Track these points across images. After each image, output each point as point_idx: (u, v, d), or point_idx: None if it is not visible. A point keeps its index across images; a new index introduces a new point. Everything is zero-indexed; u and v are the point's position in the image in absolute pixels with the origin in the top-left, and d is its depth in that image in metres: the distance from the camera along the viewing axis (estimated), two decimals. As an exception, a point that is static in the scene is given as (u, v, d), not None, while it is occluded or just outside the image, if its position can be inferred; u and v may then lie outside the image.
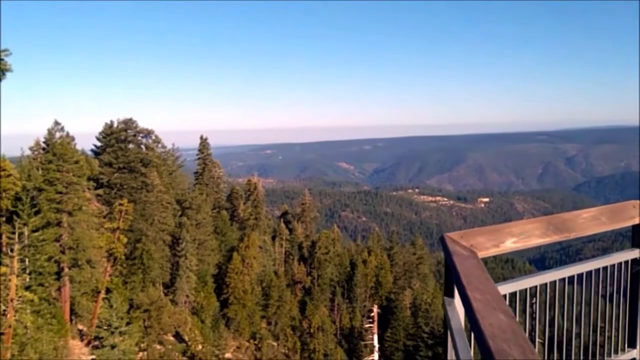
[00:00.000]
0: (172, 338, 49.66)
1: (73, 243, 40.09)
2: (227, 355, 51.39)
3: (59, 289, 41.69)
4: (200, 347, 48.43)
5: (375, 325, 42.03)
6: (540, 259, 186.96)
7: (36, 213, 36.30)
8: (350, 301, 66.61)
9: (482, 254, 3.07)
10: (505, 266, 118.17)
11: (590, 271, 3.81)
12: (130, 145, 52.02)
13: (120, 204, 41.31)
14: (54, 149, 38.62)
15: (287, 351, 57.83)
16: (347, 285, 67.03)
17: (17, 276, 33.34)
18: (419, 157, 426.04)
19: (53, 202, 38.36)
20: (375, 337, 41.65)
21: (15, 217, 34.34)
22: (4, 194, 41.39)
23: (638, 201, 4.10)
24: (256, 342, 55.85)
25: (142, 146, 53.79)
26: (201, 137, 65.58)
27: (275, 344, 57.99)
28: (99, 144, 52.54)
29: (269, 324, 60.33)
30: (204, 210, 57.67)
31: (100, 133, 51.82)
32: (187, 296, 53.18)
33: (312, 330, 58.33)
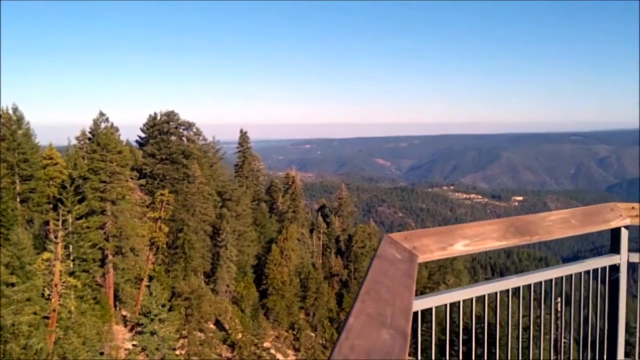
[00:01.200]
0: (212, 326, 48.84)
1: (116, 231, 39.37)
2: (266, 344, 50.26)
3: (103, 276, 41.10)
4: (240, 335, 47.61)
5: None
6: (573, 258, 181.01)
7: (80, 201, 35.57)
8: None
9: (424, 258, 2.76)
10: (539, 264, 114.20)
11: (570, 275, 3.47)
12: (172, 137, 51.28)
13: (162, 194, 40.40)
14: (98, 139, 37.86)
15: (324, 342, 56.50)
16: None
17: (61, 262, 32.70)
18: (454, 155, 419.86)
19: (97, 190, 37.64)
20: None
21: (60, 204, 33.65)
22: (51, 182, 40.97)
23: (617, 203, 3.71)
24: (294, 332, 54.66)
25: (184, 138, 53.03)
26: (241, 131, 64.64)
27: (313, 334, 56.65)
28: (143, 135, 51.91)
29: (307, 314, 59.23)
30: (244, 202, 56.51)
31: (144, 125, 51.18)
32: (228, 286, 52.16)
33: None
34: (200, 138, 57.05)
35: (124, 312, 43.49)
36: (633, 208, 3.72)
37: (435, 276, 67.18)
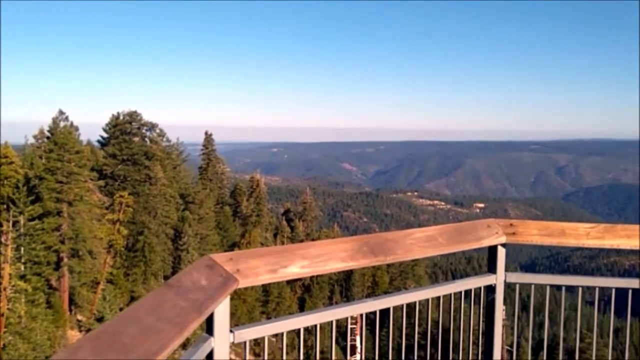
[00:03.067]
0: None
1: (73, 233, 37.91)
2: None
3: (58, 279, 39.56)
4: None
5: (358, 326, 39.78)
6: (530, 265, 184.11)
7: (35, 202, 34.12)
8: (347, 300, 64.83)
9: (247, 282, 2.44)
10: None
11: (448, 295, 3.33)
12: (135, 138, 49.87)
13: (121, 196, 39.15)
14: (56, 138, 36.42)
15: (285, 347, 55.74)
16: (345, 284, 65.15)
17: (11, 265, 31.20)
18: (419, 161, 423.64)
19: (53, 191, 36.16)
20: (358, 337, 39.54)
21: (12, 205, 32.16)
22: (5, 182, 39.23)
23: (495, 220, 3.48)
24: (255, 338, 53.67)
25: (147, 139, 51.64)
26: (206, 133, 63.55)
27: (274, 339, 55.83)
28: (105, 135, 50.38)
29: (268, 319, 58.24)
30: (207, 205, 55.40)
31: (106, 125, 49.69)
32: (188, 289, 50.82)
33: (309, 328, 56.17)
34: (164, 139, 55.77)
35: (79, 317, 41.94)
36: (511, 225, 3.48)
37: (396, 282, 67.21)
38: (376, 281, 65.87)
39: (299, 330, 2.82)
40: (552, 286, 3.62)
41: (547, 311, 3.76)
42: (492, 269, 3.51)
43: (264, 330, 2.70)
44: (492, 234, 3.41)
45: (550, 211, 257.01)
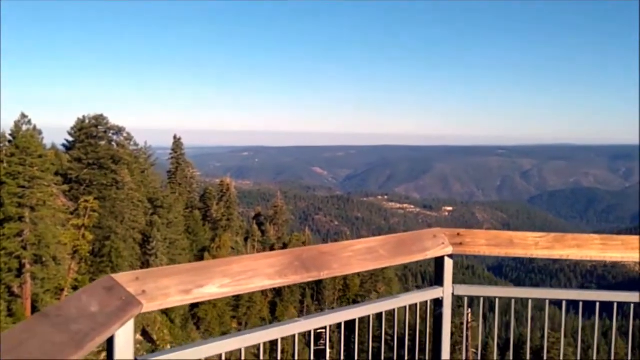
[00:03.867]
0: (139, 337, 46.42)
1: (35, 239, 36.47)
2: (196, 355, 48.23)
3: (20, 286, 38.07)
4: (168, 346, 45.52)
5: (325, 331, 39.35)
6: (498, 267, 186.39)
7: (-6, 207, 32.74)
8: (319, 303, 64.61)
9: (153, 306, 2.09)
10: (466, 272, 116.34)
11: (392, 310, 3.14)
12: (102, 142, 48.53)
13: (86, 201, 37.90)
14: (18, 142, 35.04)
15: (255, 351, 54.91)
16: (316, 288, 64.77)
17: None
18: (389, 165, 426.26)
19: (15, 196, 34.75)
20: (327, 342, 38.96)
21: (-30, 210, 30.78)
22: (-36, 187, 37.64)
23: (442, 229, 3.32)
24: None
25: (113, 143, 50.33)
26: (174, 137, 62.51)
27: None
28: (70, 139, 48.94)
29: (239, 324, 57.56)
30: (176, 209, 54.32)
31: (71, 128, 48.25)
32: (156, 295, 49.65)
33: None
34: (132, 143, 54.47)
35: (43, 324, 40.49)
36: (459, 235, 3.29)
37: (367, 284, 66.91)
38: (347, 284, 65.52)
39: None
40: (502, 298, 3.45)
41: (496, 322, 3.67)
42: (439, 281, 3.31)
43: (175, 358, 2.25)
44: (438, 245, 3.22)
45: (516, 214, 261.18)
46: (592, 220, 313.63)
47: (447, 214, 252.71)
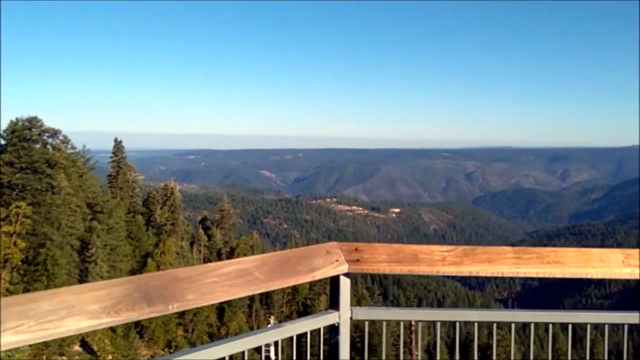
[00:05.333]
0: (78, 348, 44.25)
1: (-39, 248, 34.17)
2: (140, 364, 46.53)
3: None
4: (110, 357, 43.86)
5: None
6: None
7: None
8: (268, 307, 63.62)
9: None
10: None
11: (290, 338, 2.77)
12: (36, 145, 46.07)
13: (17, 207, 35.67)
14: (-60, 144, 32.64)
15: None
16: (265, 292, 63.75)
17: None
18: (337, 168, 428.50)
19: (-63, 202, 32.33)
20: (272, 348, 38.75)
21: None
22: None
23: (338, 244, 2.95)
24: (171, 350, 51.00)
25: (49, 146, 47.90)
26: (115, 140, 60.25)
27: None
28: (2, 142, 46.26)
29: (185, 331, 55.89)
30: (117, 214, 52.16)
31: (3, 131, 45.65)
32: (96, 304, 47.47)
33: (229, 337, 54.33)
34: (69, 146, 51.97)
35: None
36: (357, 250, 2.90)
37: (316, 287, 66.32)
38: (296, 287, 64.70)
39: None
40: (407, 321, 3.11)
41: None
42: (334, 304, 2.88)
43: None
44: (331, 263, 2.80)
45: (461, 215, 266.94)
46: (532, 220, 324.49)
47: (394, 215, 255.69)
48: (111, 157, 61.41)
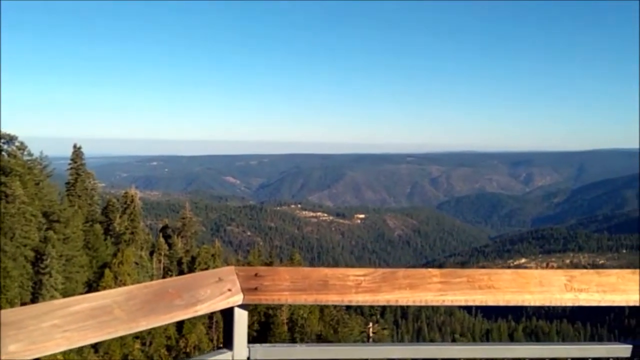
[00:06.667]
0: (31, 362, 43.02)
1: None
2: (95, 379, 45.30)
3: None
4: (64, 371, 42.38)
5: None
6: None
7: None
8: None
9: None
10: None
11: None
12: (-10, 152, 44.86)
13: (-33, 217, 34.62)
14: None
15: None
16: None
17: None
18: (302, 174, 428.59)
19: None
20: None
21: None
22: None
23: (234, 268, 2.48)
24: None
25: (4, 153, 46.68)
26: (74, 146, 58.89)
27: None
28: (-48, 149, 44.87)
29: (143, 344, 54.71)
30: (74, 223, 50.98)
31: (-45, 138, 44.28)
32: (51, 316, 46.20)
33: (188, 349, 53.38)
34: (25, 153, 50.67)
35: None
36: (256, 275, 2.46)
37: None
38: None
39: None
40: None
41: None
42: (227, 342, 2.44)
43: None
44: (221, 293, 2.35)
45: (426, 220, 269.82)
46: (495, 225, 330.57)
47: (359, 221, 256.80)
48: (69, 163, 60.03)
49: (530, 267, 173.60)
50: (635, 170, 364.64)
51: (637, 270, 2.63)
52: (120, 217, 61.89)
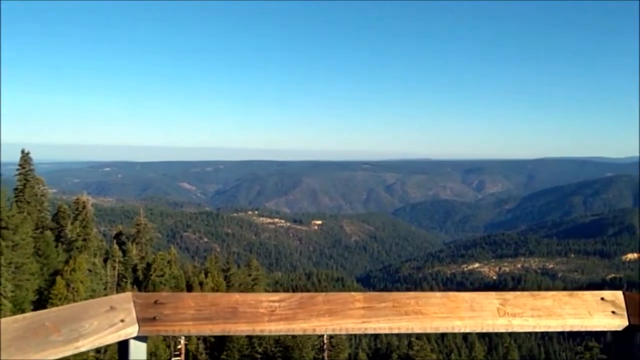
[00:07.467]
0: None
1: None
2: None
3: None
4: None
5: (182, 358, 38.56)
6: (365, 277, 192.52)
7: None
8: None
9: None
10: (336, 284, 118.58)
11: None
12: None
13: None
14: None
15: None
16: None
17: None
18: (259, 180, 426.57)
19: None
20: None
21: None
22: None
23: (130, 294, 2.25)
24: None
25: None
26: (22, 151, 56.84)
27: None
28: None
29: (97, 352, 53.14)
30: (24, 230, 49.14)
31: None
32: None
33: None
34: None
35: None
36: (156, 303, 2.22)
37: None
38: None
39: None
40: None
41: None
42: None
43: None
44: (112, 324, 2.09)
45: (382, 226, 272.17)
46: (449, 230, 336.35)
47: (316, 227, 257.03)
48: (17, 169, 57.96)
49: (484, 271, 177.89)
50: (582, 178, 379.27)
51: (575, 293, 2.54)
52: (72, 223, 60.06)
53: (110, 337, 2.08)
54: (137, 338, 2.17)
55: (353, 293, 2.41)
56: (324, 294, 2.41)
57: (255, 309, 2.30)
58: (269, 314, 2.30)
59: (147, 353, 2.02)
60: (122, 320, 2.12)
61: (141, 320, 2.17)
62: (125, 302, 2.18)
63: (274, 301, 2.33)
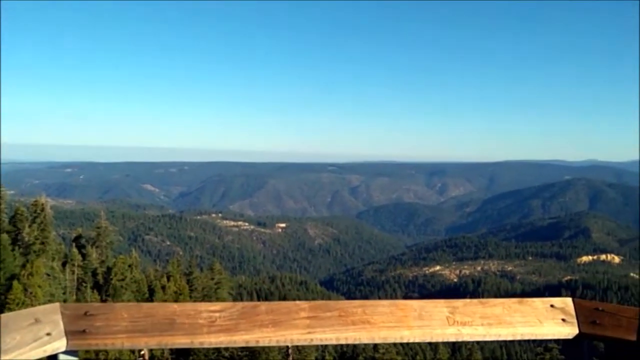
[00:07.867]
0: None
1: None
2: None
3: None
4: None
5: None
6: (329, 280, 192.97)
7: None
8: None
9: None
10: (300, 288, 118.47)
11: None
12: None
13: None
14: None
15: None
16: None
17: None
18: (223, 182, 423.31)
19: None
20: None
21: None
22: None
23: (57, 306, 2.10)
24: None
25: None
26: (-22, 152, 55.46)
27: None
28: None
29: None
30: (-21, 234, 47.77)
31: None
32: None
33: None
34: None
35: None
36: (86, 314, 2.12)
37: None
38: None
39: None
40: None
41: None
42: None
43: None
44: (36, 339, 1.95)
45: (346, 229, 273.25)
46: (412, 233, 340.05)
47: (280, 230, 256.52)
48: (-28, 170, 56.33)
49: (445, 274, 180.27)
50: (541, 181, 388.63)
51: (524, 300, 2.51)
52: (30, 226, 58.58)
53: (35, 353, 1.94)
54: (66, 352, 2.05)
55: (298, 302, 2.33)
56: (267, 303, 2.34)
57: (194, 320, 2.19)
58: (209, 325, 2.19)
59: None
60: (48, 334, 2.00)
61: (70, 334, 2.06)
62: (52, 313, 2.07)
63: (214, 311, 2.23)
